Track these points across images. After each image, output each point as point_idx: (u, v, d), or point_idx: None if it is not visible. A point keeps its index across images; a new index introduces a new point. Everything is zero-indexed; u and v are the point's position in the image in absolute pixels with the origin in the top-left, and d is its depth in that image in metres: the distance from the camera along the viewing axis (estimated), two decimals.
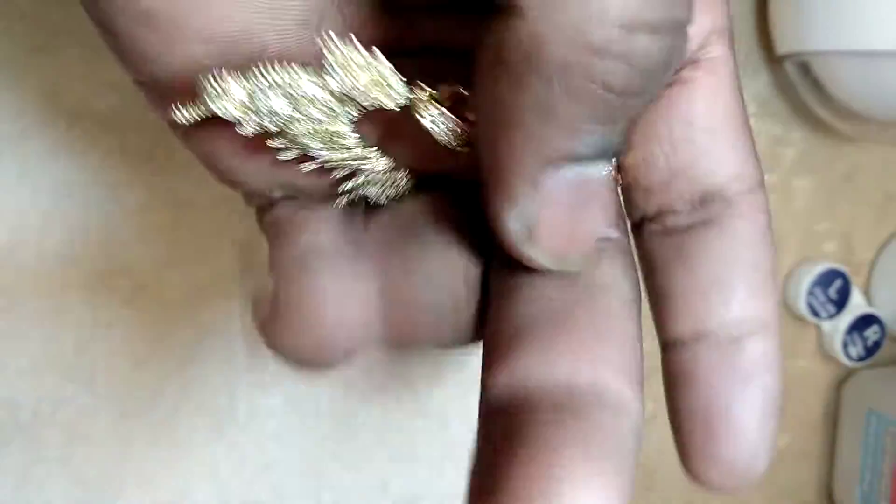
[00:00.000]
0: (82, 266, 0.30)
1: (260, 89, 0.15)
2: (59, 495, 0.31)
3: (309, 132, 0.15)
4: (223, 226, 0.30)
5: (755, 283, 0.16)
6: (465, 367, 0.34)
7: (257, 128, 0.15)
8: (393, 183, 0.17)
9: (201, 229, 0.30)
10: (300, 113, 0.15)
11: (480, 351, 0.17)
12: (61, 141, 0.29)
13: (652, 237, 0.16)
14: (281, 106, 0.15)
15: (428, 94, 0.15)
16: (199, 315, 0.31)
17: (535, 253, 0.14)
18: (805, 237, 0.40)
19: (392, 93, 0.15)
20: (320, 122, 0.15)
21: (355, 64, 0.15)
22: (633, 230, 0.17)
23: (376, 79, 0.15)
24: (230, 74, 0.14)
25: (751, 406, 0.16)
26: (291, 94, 0.15)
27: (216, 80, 0.14)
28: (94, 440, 0.31)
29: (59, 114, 0.28)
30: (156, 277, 0.30)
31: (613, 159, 0.14)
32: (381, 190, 0.17)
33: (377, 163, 0.17)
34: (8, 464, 0.31)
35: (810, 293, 0.38)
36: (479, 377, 0.16)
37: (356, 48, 0.14)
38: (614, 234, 0.16)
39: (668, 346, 0.16)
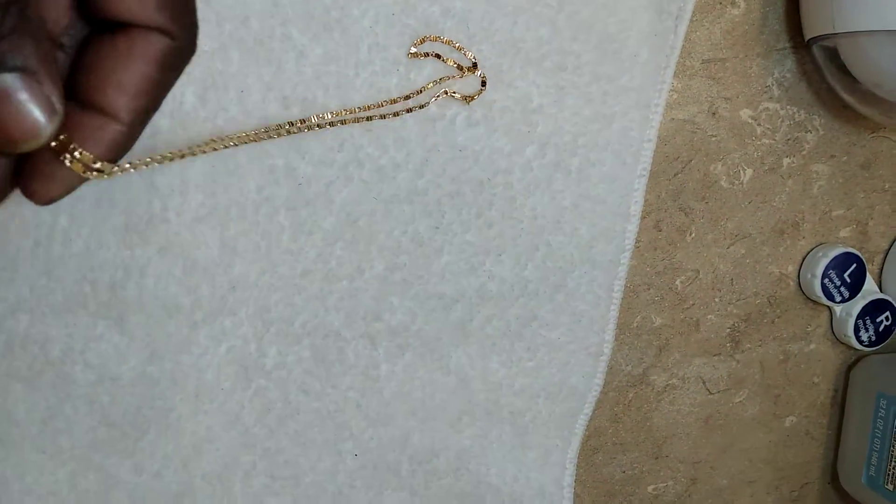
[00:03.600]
0: (121, 208, 0.30)
1: None
2: (84, 433, 0.32)
3: None
4: (264, 181, 0.30)
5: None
6: (487, 327, 0.35)
7: None
8: None
9: (240, 184, 0.31)
10: None
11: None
12: None
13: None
14: None
15: None
16: (233, 265, 0.31)
17: None
18: (821, 222, 0.41)
19: None
20: None
21: None
22: None
23: None
24: None
25: None
26: None
27: None
28: (121, 380, 0.31)
29: None
30: (193, 225, 0.30)
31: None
32: None
33: None
34: (36, 399, 0.31)
35: (825, 276, 0.39)
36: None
37: None
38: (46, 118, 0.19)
39: None
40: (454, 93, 0.32)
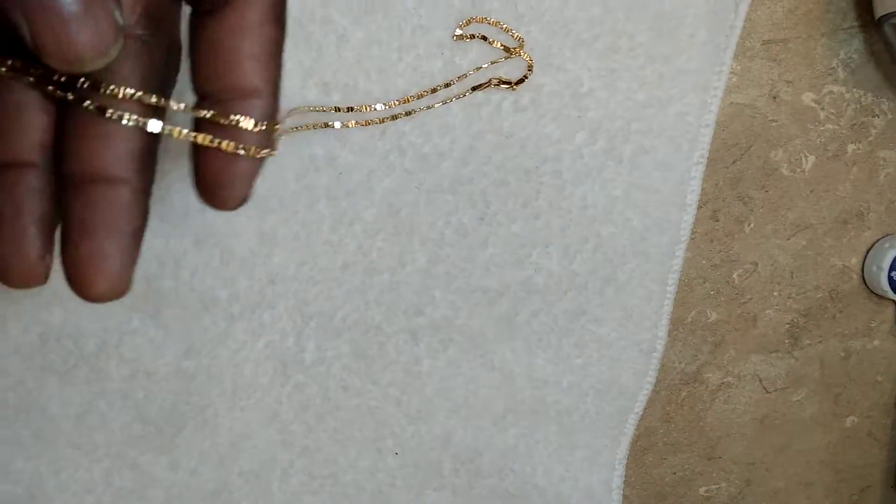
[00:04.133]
0: (155, 199, 0.29)
1: None
2: (119, 429, 0.31)
3: None
4: (304, 170, 0.29)
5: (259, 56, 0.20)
6: (533, 322, 0.33)
7: None
8: None
9: (280, 174, 0.29)
10: None
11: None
12: None
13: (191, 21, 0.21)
14: None
15: None
16: (272, 257, 0.30)
17: (46, 59, 0.17)
18: (888, 212, 0.38)
19: None
20: None
21: None
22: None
23: None
24: None
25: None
26: None
27: None
28: (157, 375, 0.31)
29: None
30: (230, 217, 0.29)
31: None
32: None
33: None
34: (71, 394, 0.30)
35: (893, 268, 0.37)
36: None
37: None
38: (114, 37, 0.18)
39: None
40: (500, 80, 0.30)
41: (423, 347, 0.33)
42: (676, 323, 0.37)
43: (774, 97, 0.35)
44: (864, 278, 0.39)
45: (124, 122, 0.20)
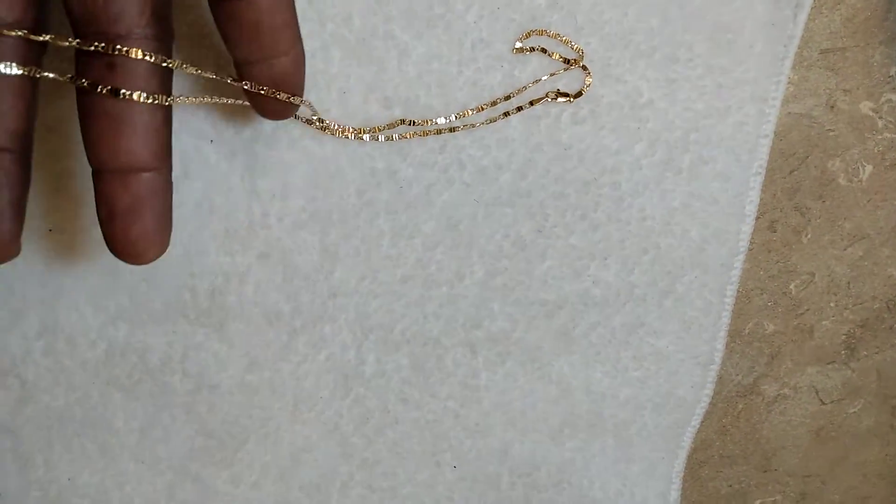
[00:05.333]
0: (220, 214, 0.29)
1: None
2: (181, 443, 0.31)
3: None
4: (365, 185, 0.29)
5: (281, 34, 0.23)
6: (591, 335, 0.33)
7: None
8: None
9: (340, 189, 0.29)
10: None
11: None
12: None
13: (213, 4, 0.23)
14: None
15: None
16: (334, 271, 0.30)
17: None
18: None
19: None
20: None
21: None
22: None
23: None
24: None
25: None
26: None
27: None
28: (220, 389, 0.31)
29: None
30: (293, 231, 0.29)
31: None
32: None
33: None
34: (135, 408, 0.30)
35: None
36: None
37: None
38: None
39: (236, 65, 0.24)
40: (558, 92, 0.30)
41: (481, 360, 0.33)
42: (734, 335, 0.36)
43: (832, 106, 0.35)
44: None
45: (136, 97, 0.22)
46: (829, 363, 0.38)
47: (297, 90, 0.25)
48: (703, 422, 0.36)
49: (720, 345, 0.34)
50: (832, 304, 0.37)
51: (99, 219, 0.23)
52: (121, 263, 0.29)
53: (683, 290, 0.33)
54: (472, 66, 0.29)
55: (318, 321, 0.31)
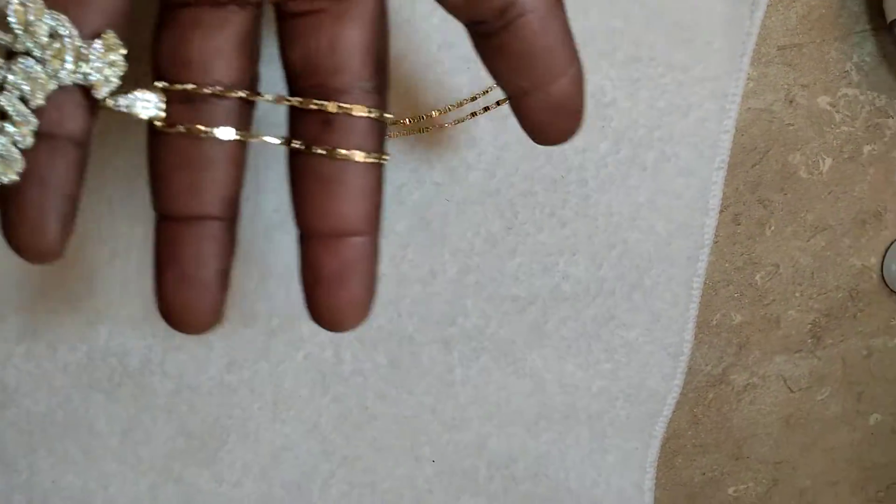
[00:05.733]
0: None
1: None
2: (163, 444, 0.32)
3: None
4: None
5: (555, 55, 0.21)
6: (562, 329, 0.34)
7: None
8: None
9: None
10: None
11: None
12: None
13: (476, 39, 0.21)
14: None
15: None
16: None
17: None
18: None
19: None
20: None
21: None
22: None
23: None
24: None
25: None
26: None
27: None
28: (200, 390, 0.31)
29: None
30: (267, 232, 0.30)
31: None
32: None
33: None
34: (116, 410, 0.31)
35: None
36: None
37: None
38: None
39: (508, 97, 0.22)
40: None
41: (456, 356, 0.33)
42: (702, 326, 0.37)
43: (790, 101, 0.36)
44: (883, 277, 0.39)
45: (358, 159, 0.20)
46: (796, 352, 0.39)
47: (579, 112, 0.22)
48: (674, 412, 0.37)
49: (689, 336, 0.35)
50: (797, 294, 0.38)
51: (303, 283, 0.21)
52: (97, 267, 0.30)
53: (651, 284, 0.34)
54: (438, 67, 0.30)
55: (295, 320, 0.31)
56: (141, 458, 0.31)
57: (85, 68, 0.19)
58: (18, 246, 0.20)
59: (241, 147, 0.21)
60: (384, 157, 0.21)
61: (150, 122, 0.20)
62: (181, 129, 0.20)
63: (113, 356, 0.30)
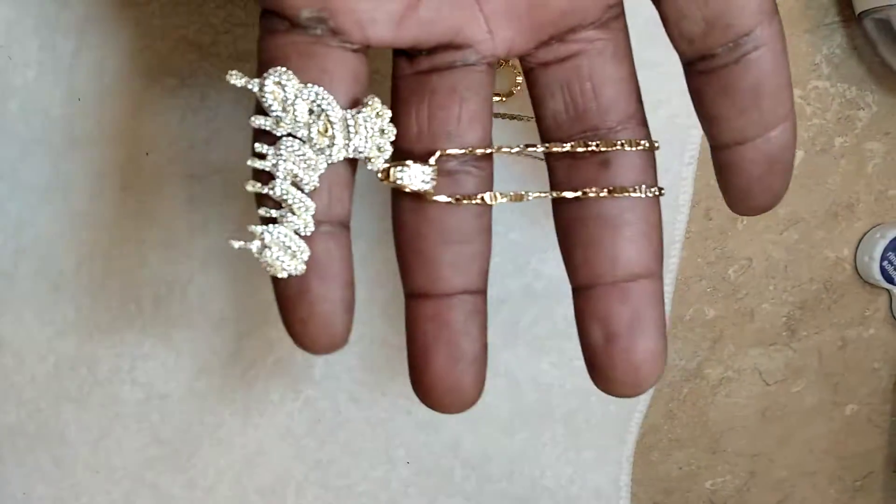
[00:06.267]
0: (161, 223, 0.30)
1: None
2: (135, 452, 0.32)
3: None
4: None
5: (781, 97, 0.19)
6: (535, 328, 0.34)
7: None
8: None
9: None
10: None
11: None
12: (141, 100, 0.29)
13: (698, 77, 0.20)
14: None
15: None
16: None
17: None
18: (877, 202, 0.39)
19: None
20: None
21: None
22: (685, 71, 0.20)
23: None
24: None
25: None
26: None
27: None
28: (170, 398, 0.31)
29: (139, 72, 0.28)
30: (235, 237, 0.30)
31: None
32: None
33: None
34: (87, 419, 0.31)
35: (884, 258, 0.38)
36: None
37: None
38: None
39: (719, 149, 0.20)
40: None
41: None
42: (675, 321, 0.37)
43: None
44: (856, 268, 0.39)
45: (646, 195, 0.19)
46: (770, 345, 0.39)
47: (791, 168, 0.20)
48: (650, 407, 0.37)
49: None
50: (771, 288, 0.38)
51: (589, 344, 0.20)
52: (66, 274, 0.29)
53: None
54: None
55: (263, 325, 0.31)
56: (114, 467, 0.31)
57: (355, 141, 0.18)
58: (307, 343, 0.19)
59: (490, 213, 0.20)
60: (662, 189, 0.20)
61: (400, 195, 0.19)
62: (449, 199, 0.19)
63: (82, 365, 0.30)
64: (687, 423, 0.39)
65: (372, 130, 0.18)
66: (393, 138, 0.19)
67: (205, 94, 0.29)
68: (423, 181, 0.19)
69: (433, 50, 0.19)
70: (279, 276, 0.19)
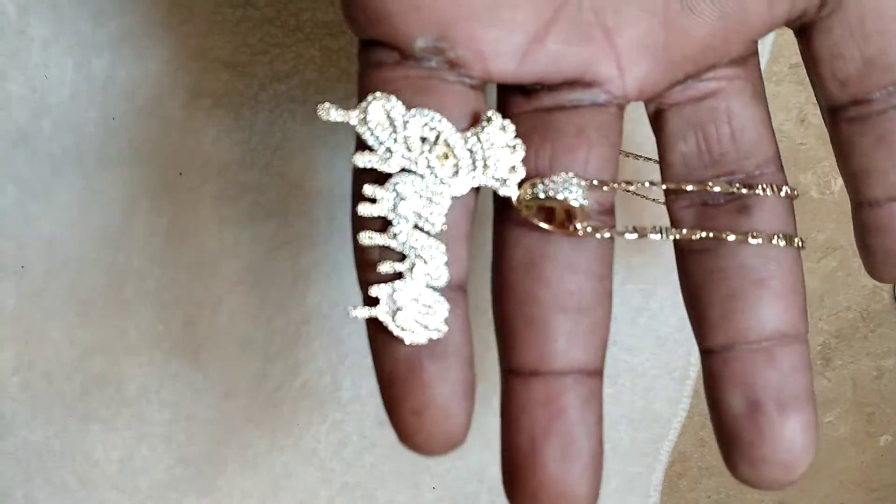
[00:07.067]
0: (192, 244, 0.29)
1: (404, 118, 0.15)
2: (162, 473, 0.31)
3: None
4: (335, 210, 0.30)
5: None
6: None
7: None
8: None
9: (312, 213, 0.30)
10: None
11: None
12: (175, 120, 0.28)
13: (848, 124, 0.18)
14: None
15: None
16: (306, 297, 0.30)
17: None
18: None
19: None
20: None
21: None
22: (828, 117, 0.19)
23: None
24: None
25: None
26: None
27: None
28: (197, 419, 0.31)
29: (173, 92, 0.28)
30: (265, 258, 0.30)
31: None
32: None
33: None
34: (113, 439, 0.31)
35: None
36: None
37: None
38: None
39: (867, 206, 0.18)
40: None
41: None
42: None
43: (802, 120, 0.35)
44: (895, 297, 0.38)
45: (792, 245, 0.17)
46: None
47: None
48: (680, 435, 0.36)
49: (695, 359, 0.35)
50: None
51: (722, 417, 0.18)
52: (95, 294, 0.29)
53: (657, 307, 0.34)
54: None
55: (292, 346, 0.31)
56: (139, 487, 0.31)
57: (484, 164, 0.15)
58: (419, 441, 0.16)
59: (612, 277, 0.18)
60: (804, 241, 0.18)
61: (508, 247, 0.17)
62: (598, 230, 0.16)
63: (110, 385, 0.30)
64: (717, 452, 0.38)
65: (499, 150, 0.16)
66: (524, 154, 0.17)
67: (239, 114, 0.28)
68: (575, 198, 0.16)
69: (556, 86, 0.17)
70: (418, 341, 0.16)
